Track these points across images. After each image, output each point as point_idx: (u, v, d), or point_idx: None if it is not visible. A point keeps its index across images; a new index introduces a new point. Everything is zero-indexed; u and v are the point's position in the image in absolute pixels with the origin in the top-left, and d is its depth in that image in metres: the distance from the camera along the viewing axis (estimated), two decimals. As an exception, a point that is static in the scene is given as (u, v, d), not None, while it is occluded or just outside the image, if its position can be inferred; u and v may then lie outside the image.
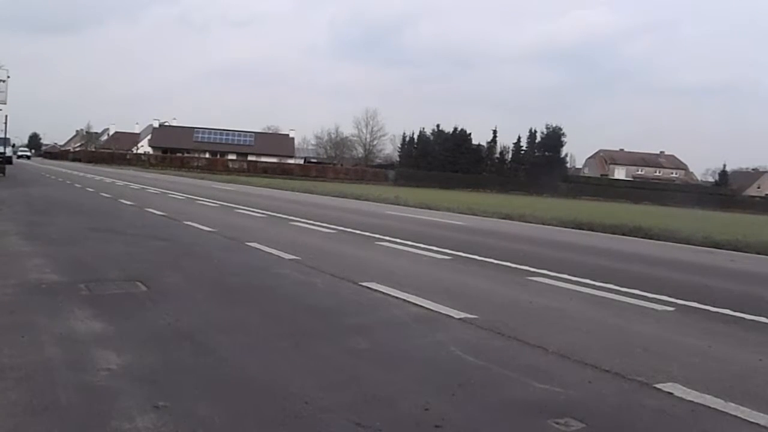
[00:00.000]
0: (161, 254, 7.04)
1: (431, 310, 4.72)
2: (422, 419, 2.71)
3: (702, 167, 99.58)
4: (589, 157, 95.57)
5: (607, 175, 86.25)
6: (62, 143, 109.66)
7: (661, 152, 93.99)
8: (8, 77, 23.63)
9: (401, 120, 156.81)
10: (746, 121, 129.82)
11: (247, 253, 7.48)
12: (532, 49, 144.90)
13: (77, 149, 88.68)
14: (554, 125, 79.68)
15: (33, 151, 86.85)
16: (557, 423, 2.73)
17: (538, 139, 79.81)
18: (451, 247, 8.72)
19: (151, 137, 79.78)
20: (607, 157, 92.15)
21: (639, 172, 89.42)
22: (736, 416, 2.90)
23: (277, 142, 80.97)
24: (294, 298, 5.06)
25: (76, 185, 22.17)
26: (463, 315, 4.57)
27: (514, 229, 14.03)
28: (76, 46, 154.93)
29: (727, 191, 76.41)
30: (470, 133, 79.10)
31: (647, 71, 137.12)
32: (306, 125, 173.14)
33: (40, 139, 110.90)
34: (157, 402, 2.71)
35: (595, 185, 73.58)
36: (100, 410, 2.62)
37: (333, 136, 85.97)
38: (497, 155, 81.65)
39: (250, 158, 73.33)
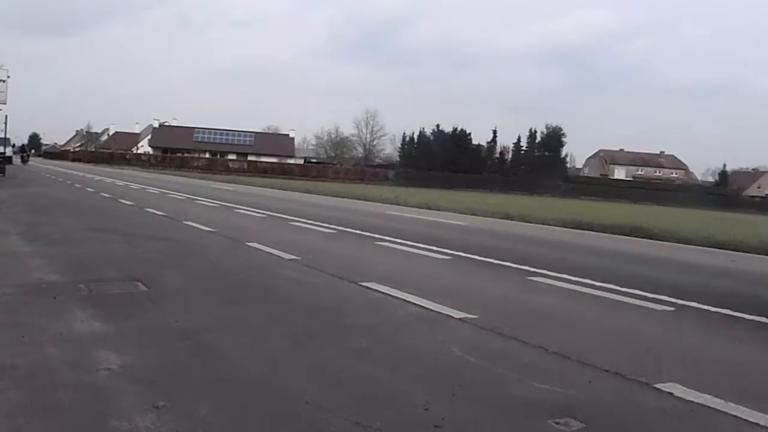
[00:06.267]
0: (161, 254, 7.04)
1: (431, 310, 4.72)
2: (422, 419, 2.71)
3: (702, 167, 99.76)
4: (589, 157, 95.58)
5: (607, 175, 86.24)
6: (62, 143, 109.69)
7: (661, 152, 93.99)
8: (8, 77, 23.65)
9: (401, 120, 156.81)
10: (746, 121, 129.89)
11: (247, 253, 7.48)
12: (532, 49, 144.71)
13: (77, 149, 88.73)
14: (554, 125, 79.84)
15: (33, 151, 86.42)
16: (557, 423, 2.73)
17: (538, 139, 79.87)
18: (451, 247, 8.71)
19: (151, 137, 79.80)
20: (607, 157, 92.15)
21: (639, 172, 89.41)
22: (736, 416, 2.90)
23: (277, 142, 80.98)
24: (294, 298, 5.06)
25: (76, 185, 22.17)
26: (463, 315, 4.57)
27: (515, 229, 14.02)
28: (76, 46, 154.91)
29: (727, 191, 76.34)
30: (470, 133, 79.25)
31: (647, 71, 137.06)
32: (306, 125, 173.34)
33: (40, 139, 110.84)
34: (157, 402, 2.71)
35: (595, 185, 73.51)
36: (100, 410, 2.62)
37: (333, 136, 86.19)
38: (497, 155, 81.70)
39: (250, 158, 73.37)
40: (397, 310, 4.73)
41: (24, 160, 45.57)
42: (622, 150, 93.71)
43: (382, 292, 5.27)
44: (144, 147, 79.80)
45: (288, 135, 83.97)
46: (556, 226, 15.40)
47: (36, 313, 4.12)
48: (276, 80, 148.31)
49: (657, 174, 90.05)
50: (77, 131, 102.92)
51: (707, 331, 4.66)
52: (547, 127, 79.82)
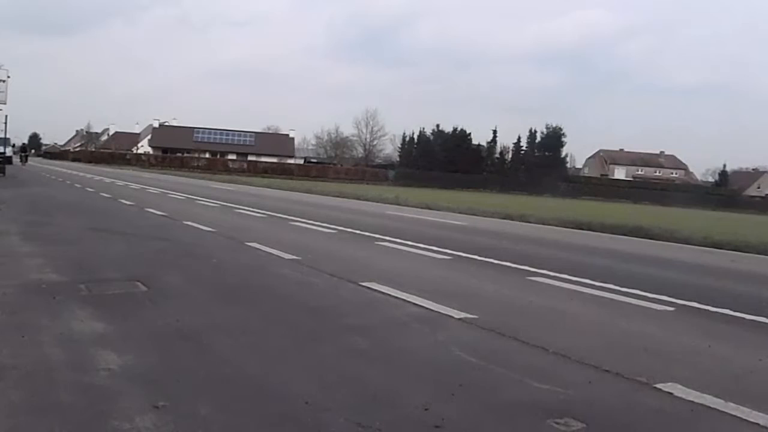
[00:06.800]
0: (161, 254, 7.04)
1: (431, 310, 4.72)
2: (422, 419, 2.71)
3: (702, 167, 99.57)
4: (589, 157, 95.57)
5: (607, 175, 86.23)
6: (62, 143, 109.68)
7: (661, 152, 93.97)
8: (8, 77, 23.67)
9: (401, 120, 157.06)
10: (746, 121, 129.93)
11: (247, 253, 7.48)
12: (532, 49, 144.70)
13: (77, 149, 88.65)
14: (554, 125, 79.87)
15: (33, 150, 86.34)
16: (557, 423, 2.73)
17: (538, 139, 79.89)
18: (451, 247, 8.71)
19: (151, 137, 79.78)
20: (607, 157, 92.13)
21: (639, 172, 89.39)
22: (736, 416, 2.90)
23: (277, 142, 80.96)
24: (294, 298, 5.06)
25: (76, 185, 22.17)
26: (463, 315, 4.57)
27: (515, 229, 14.03)
28: (76, 46, 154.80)
29: (727, 191, 76.40)
30: (470, 133, 79.26)
31: (647, 71, 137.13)
32: (306, 125, 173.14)
33: (40, 139, 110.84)
34: (157, 402, 2.71)
35: (595, 185, 73.50)
36: (100, 410, 2.62)
37: (333, 136, 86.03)
38: (497, 155, 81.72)
39: (250, 158, 73.35)
40: (397, 310, 4.73)
41: (23, 160, 44.77)
42: (622, 150, 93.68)
43: (382, 292, 5.27)
44: (144, 147, 79.76)
45: (288, 135, 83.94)
46: (556, 225, 15.40)
47: (36, 313, 4.12)
48: (276, 80, 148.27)
49: (657, 174, 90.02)
50: (77, 131, 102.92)
51: (707, 331, 4.66)
52: (547, 127, 79.91)
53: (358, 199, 23.17)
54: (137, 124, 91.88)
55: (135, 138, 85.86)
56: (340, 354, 3.58)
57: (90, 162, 65.14)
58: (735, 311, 5.32)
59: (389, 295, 5.19)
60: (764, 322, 5.09)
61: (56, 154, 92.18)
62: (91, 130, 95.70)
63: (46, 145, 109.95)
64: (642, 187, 74.59)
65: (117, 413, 2.59)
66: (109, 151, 75.14)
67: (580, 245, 11.05)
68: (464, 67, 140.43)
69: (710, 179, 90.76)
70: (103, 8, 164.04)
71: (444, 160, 74.40)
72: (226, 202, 16.37)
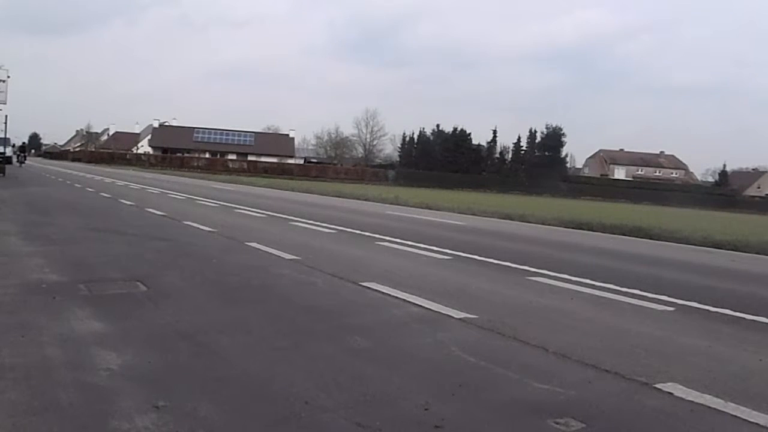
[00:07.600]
0: (161, 254, 7.04)
1: (431, 310, 4.72)
2: (422, 419, 2.71)
3: (702, 167, 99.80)
4: (589, 157, 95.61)
5: (607, 175, 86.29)
6: (62, 143, 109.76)
7: (661, 152, 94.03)
8: (8, 77, 23.67)
9: (401, 120, 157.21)
10: (746, 121, 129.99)
11: (247, 253, 7.48)
12: (532, 49, 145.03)
13: (77, 149, 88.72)
14: (554, 125, 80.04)
15: (33, 151, 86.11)
16: (557, 423, 2.73)
17: (538, 139, 79.99)
18: (451, 247, 8.71)
19: (151, 137, 79.82)
20: (607, 157, 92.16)
21: (639, 172, 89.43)
22: (736, 416, 2.90)
23: (277, 142, 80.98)
24: (294, 298, 5.06)
25: (76, 185, 22.17)
26: (463, 315, 4.57)
27: (514, 229, 14.03)
28: (76, 46, 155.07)
29: (727, 191, 76.49)
30: (470, 133, 79.40)
31: (647, 71, 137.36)
32: (306, 125, 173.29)
33: (40, 139, 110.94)
34: (157, 402, 2.71)
35: (595, 185, 73.58)
36: (100, 410, 2.62)
37: (333, 136, 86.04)
38: (497, 155, 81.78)
39: (250, 158, 73.44)
40: (397, 310, 4.73)
41: (20, 161, 41.73)
42: (622, 150, 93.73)
43: (382, 292, 5.27)
44: (144, 147, 79.80)
45: (288, 135, 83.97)
46: (555, 226, 15.40)
47: (36, 313, 4.12)
48: (276, 80, 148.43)
49: (657, 174, 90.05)
50: (77, 131, 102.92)
51: (707, 331, 4.66)
52: (547, 127, 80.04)
53: (358, 199, 23.17)
54: (137, 124, 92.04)
55: (135, 138, 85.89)
56: (340, 354, 3.58)
57: (90, 162, 65.20)
58: (735, 311, 5.33)
59: (389, 295, 5.19)
60: (764, 322, 5.09)
61: (56, 154, 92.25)
62: (91, 130, 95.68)
63: (46, 145, 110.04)
64: (642, 187, 74.65)
65: (117, 413, 2.59)
66: (109, 151, 75.20)
67: (580, 245, 11.05)
68: (464, 67, 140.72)
69: (710, 179, 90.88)
70: (103, 8, 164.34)
71: (444, 160, 74.45)
72: (226, 202, 16.37)
